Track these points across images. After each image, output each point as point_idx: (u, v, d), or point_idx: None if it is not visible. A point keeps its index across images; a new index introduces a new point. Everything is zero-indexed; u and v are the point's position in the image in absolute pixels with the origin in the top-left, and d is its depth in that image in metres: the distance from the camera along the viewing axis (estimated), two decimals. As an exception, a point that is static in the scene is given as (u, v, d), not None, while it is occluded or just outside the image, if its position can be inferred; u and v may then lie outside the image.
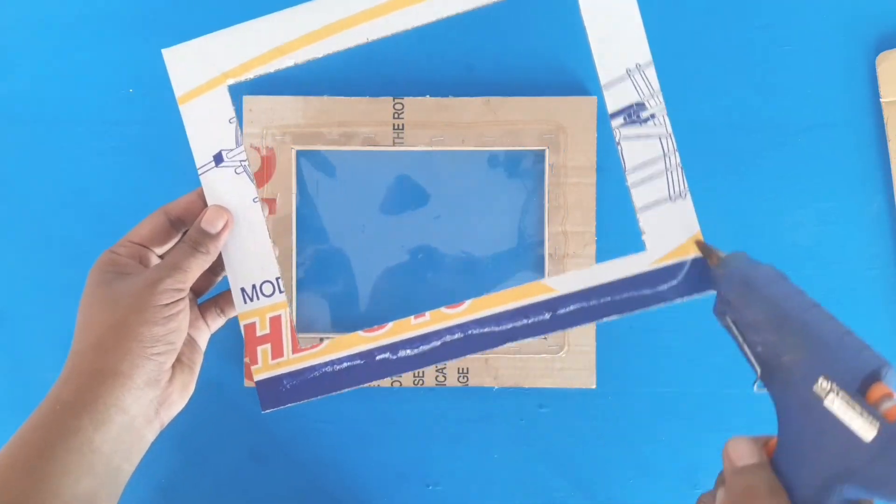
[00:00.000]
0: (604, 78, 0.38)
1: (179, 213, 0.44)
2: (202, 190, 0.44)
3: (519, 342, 0.40)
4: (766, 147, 0.55)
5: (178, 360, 0.42)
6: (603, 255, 0.53)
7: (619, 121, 0.39)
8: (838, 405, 0.30)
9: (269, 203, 0.54)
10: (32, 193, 0.55)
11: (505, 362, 0.53)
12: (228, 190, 0.43)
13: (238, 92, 0.47)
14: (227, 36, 0.43)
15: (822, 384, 0.30)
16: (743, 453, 0.33)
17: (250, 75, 0.43)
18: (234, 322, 0.54)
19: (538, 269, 0.54)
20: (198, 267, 0.42)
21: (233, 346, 0.54)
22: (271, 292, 0.43)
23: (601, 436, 0.55)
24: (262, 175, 0.53)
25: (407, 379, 0.53)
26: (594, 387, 0.54)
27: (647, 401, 0.55)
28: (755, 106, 0.55)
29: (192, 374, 0.43)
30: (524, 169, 0.55)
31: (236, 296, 0.44)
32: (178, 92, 0.43)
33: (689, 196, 0.38)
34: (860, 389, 0.30)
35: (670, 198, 0.38)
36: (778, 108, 0.55)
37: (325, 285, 0.55)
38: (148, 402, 0.40)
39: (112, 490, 0.38)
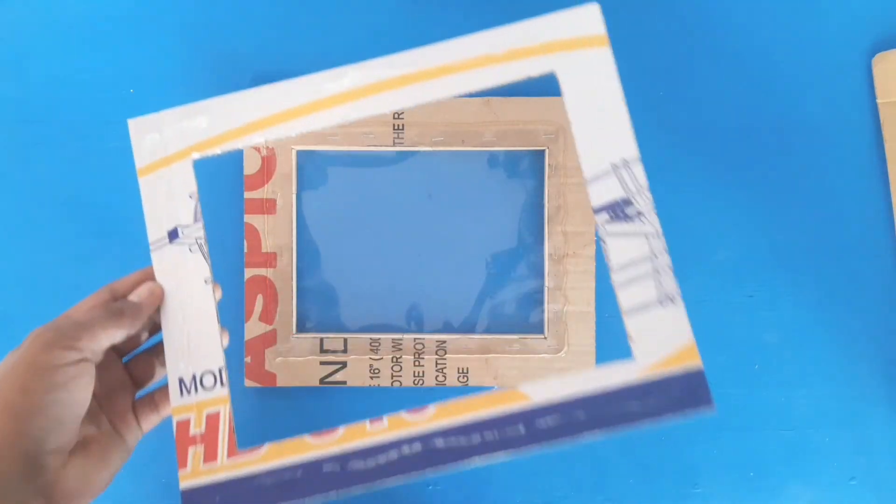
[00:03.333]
0: (587, 171, 0.37)
1: (126, 292, 0.40)
2: (152, 269, 0.40)
3: (490, 459, 0.35)
4: (764, 148, 0.55)
5: (84, 447, 0.36)
6: (602, 255, 0.53)
7: (603, 217, 0.37)
8: None
9: (269, 203, 0.54)
10: (32, 193, 0.55)
11: (505, 362, 0.53)
12: (179, 268, 0.40)
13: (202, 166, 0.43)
14: (198, 109, 0.40)
15: None
16: None
17: (217, 150, 0.40)
18: (235, 328, 0.54)
19: (538, 270, 0.54)
20: (101, 326, 0.36)
21: (232, 346, 0.54)
22: (212, 385, 0.39)
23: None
24: (262, 175, 0.54)
25: (407, 378, 0.53)
26: (594, 386, 0.53)
27: (647, 400, 0.55)
28: (752, 107, 0.55)
29: (106, 468, 0.37)
30: (524, 169, 0.55)
31: (172, 387, 0.39)
32: (140, 163, 0.40)
33: (680, 301, 0.35)
34: None
35: (659, 302, 0.35)
36: (775, 109, 0.55)
37: (323, 285, 0.55)
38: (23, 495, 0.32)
39: None
